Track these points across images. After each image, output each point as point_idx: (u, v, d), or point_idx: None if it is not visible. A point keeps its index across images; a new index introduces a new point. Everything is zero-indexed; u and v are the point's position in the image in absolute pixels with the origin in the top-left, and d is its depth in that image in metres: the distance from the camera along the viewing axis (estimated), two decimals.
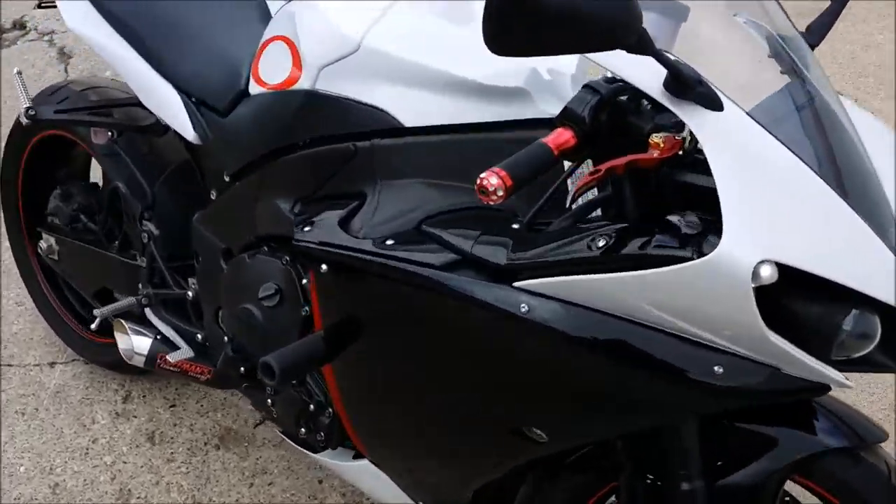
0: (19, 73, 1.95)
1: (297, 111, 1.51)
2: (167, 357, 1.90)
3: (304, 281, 1.55)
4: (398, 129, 1.39)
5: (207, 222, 1.78)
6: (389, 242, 1.34)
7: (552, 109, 1.32)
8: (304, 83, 1.49)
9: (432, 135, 1.37)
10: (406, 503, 1.59)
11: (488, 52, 1.37)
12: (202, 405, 2.37)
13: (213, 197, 1.79)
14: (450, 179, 1.37)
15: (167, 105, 1.79)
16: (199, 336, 1.90)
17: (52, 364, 2.52)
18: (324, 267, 1.38)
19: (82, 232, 2.18)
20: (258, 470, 2.20)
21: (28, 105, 1.89)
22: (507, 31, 0.96)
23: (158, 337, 1.97)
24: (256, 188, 1.62)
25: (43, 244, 2.25)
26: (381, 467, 1.55)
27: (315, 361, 1.40)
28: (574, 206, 1.22)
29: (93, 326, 1.92)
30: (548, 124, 1.31)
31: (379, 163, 1.41)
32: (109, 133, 1.98)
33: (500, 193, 1.05)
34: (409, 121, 1.39)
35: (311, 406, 1.62)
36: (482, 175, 1.06)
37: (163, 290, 1.93)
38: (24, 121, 1.89)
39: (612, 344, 1.14)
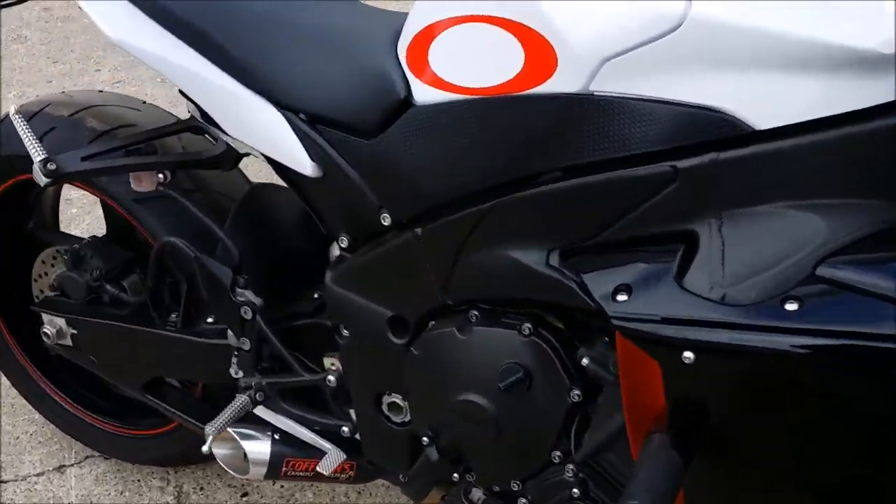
0: (20, 113, 1.35)
1: (551, 126, 1.03)
2: (317, 466, 1.40)
3: (585, 360, 1.11)
4: (746, 136, 0.95)
5: (354, 283, 1.29)
6: (792, 307, 0.91)
7: None
8: (565, 84, 1.01)
9: (803, 135, 0.94)
10: None
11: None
12: (282, 486, 1.88)
13: (343, 245, 1.29)
14: (834, 195, 0.95)
15: (267, 129, 1.27)
16: (345, 429, 1.41)
17: (60, 468, 1.94)
18: (688, 355, 0.94)
19: (111, 306, 1.61)
20: None
21: (44, 157, 1.31)
22: None
23: (276, 436, 1.46)
24: (459, 235, 1.14)
25: (48, 329, 1.66)
26: None
27: (678, 484, 0.97)
28: None
29: (204, 449, 1.39)
30: None
31: (718, 186, 0.97)
32: (161, 175, 1.42)
33: None
34: (763, 121, 0.95)
35: None
36: None
37: (281, 377, 1.42)
38: (42, 179, 1.31)
39: None
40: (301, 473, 1.46)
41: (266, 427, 1.47)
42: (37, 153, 1.31)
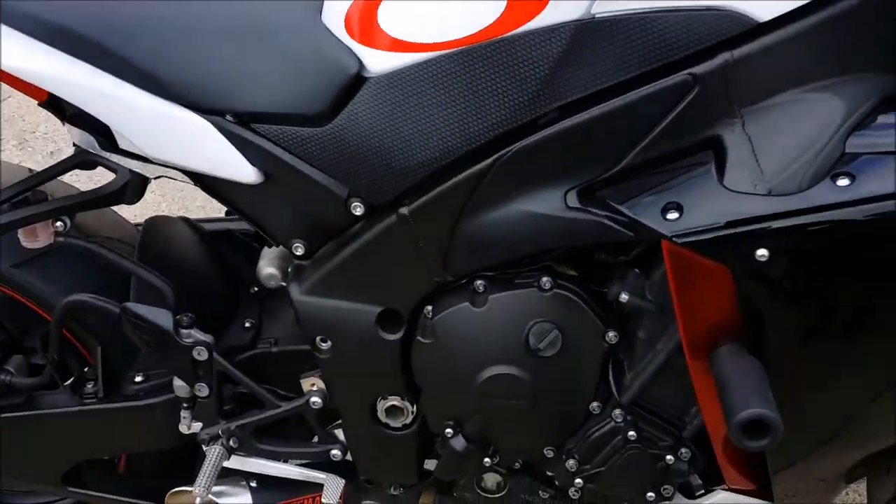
0: None
1: (553, 62, 0.98)
2: (321, 499, 1.26)
3: (625, 296, 1.08)
4: (753, 30, 0.96)
5: (329, 288, 1.16)
6: (844, 182, 0.93)
7: None
8: (561, 14, 0.97)
9: (804, 19, 0.96)
10: None
11: None
12: None
13: (298, 252, 1.17)
14: (842, 73, 0.98)
15: (191, 140, 1.12)
16: (336, 452, 1.28)
17: None
18: (761, 253, 0.93)
19: (6, 396, 1.36)
20: None
21: None
22: None
23: (253, 483, 1.30)
24: (456, 203, 1.07)
25: None
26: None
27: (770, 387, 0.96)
28: None
29: None
30: None
31: (735, 85, 0.97)
32: (59, 223, 1.21)
33: None
34: (765, 12, 0.95)
35: (667, 458, 1.16)
36: None
37: (254, 416, 1.26)
38: None
39: None
40: None
41: (238, 478, 1.31)
42: None
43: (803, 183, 0.95)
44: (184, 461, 1.41)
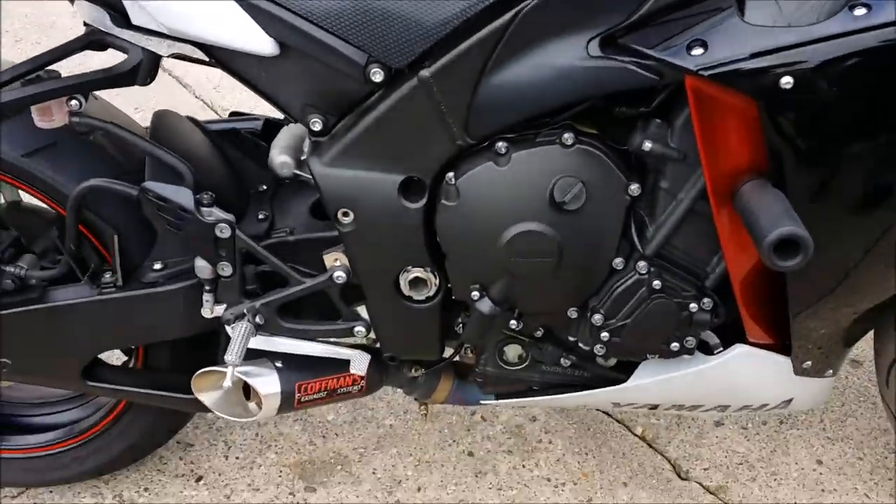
0: None
1: None
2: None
3: (648, 144, 1.10)
4: None
5: (351, 159, 1.17)
6: (861, 12, 0.96)
7: None
8: None
9: None
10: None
11: None
12: (237, 457, 1.70)
13: (316, 128, 1.17)
14: None
15: (210, 11, 1.11)
16: (360, 329, 1.30)
17: None
18: (787, 80, 0.96)
19: (17, 293, 1.35)
20: None
21: None
22: None
23: (279, 363, 1.32)
24: (478, 60, 1.07)
25: None
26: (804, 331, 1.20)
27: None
28: None
29: (226, 384, 1.20)
30: None
31: None
32: (74, 102, 1.20)
33: None
34: None
35: (691, 306, 1.19)
36: None
37: (278, 293, 1.27)
38: None
39: None
40: (314, 396, 1.33)
41: (263, 359, 1.32)
42: None
43: (821, 15, 0.97)
44: (201, 355, 1.41)
